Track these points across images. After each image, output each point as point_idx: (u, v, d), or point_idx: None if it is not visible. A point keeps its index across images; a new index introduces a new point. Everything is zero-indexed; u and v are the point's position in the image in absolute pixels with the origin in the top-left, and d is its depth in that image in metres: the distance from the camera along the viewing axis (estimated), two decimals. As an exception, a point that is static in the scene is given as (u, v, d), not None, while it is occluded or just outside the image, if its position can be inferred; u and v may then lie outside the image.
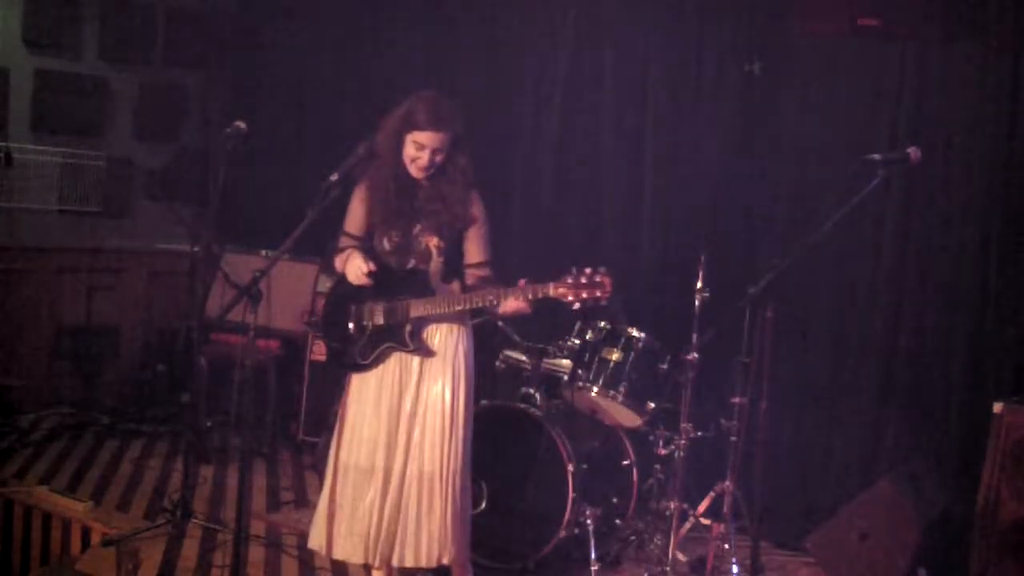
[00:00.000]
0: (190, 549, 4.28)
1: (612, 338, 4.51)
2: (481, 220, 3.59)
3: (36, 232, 6.18)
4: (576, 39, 5.64)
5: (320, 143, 6.44)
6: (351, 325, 3.65)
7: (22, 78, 6.08)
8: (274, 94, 6.78)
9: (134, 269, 6.60)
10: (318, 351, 5.76)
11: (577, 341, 4.62)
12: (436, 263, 3.57)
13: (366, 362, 3.61)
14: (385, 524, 3.55)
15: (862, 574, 4.18)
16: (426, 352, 3.58)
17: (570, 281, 3.15)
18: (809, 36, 4.95)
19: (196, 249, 5.58)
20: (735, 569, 4.17)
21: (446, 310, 3.49)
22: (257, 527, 4.56)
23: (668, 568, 4.18)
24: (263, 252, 5.85)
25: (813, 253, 3.77)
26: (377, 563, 3.58)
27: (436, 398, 3.57)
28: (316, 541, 3.65)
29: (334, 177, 3.55)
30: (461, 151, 3.56)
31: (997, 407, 4.08)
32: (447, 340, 3.61)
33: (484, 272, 3.61)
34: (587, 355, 4.53)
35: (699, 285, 4.22)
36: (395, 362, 3.60)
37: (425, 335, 3.60)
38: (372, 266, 3.52)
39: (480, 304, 3.42)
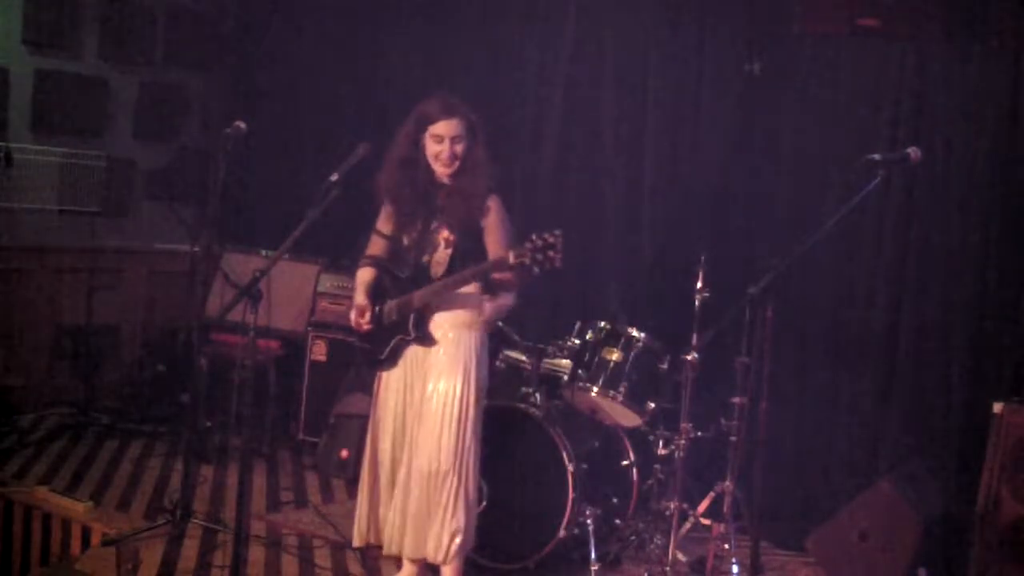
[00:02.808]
0: (190, 549, 4.27)
1: (612, 338, 4.52)
2: (496, 217, 3.70)
3: (36, 232, 6.17)
4: (576, 39, 5.64)
5: (319, 143, 6.44)
6: (374, 325, 3.83)
7: (22, 78, 6.07)
8: (274, 94, 6.77)
9: (134, 269, 6.60)
10: (318, 351, 5.76)
11: (577, 341, 4.62)
12: (441, 254, 3.71)
13: (382, 357, 3.80)
14: (394, 515, 3.74)
15: (862, 574, 4.19)
16: (429, 342, 3.72)
17: (528, 246, 3.31)
18: (809, 36, 4.95)
19: (196, 249, 5.58)
20: (735, 569, 4.17)
21: (439, 294, 3.65)
22: (257, 527, 4.56)
23: (668, 568, 4.18)
24: (263, 252, 5.85)
25: (813, 253, 3.78)
26: (396, 551, 3.78)
27: (440, 395, 3.69)
28: (355, 536, 3.90)
29: (334, 177, 3.58)
30: (478, 143, 3.70)
31: (997, 407, 4.08)
32: (456, 338, 3.73)
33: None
34: (587, 355, 4.53)
35: (699, 285, 4.22)
36: (410, 358, 3.77)
37: (432, 329, 3.73)
38: (367, 323, 3.80)
39: (461, 283, 3.61)
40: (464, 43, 6.10)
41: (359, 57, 6.48)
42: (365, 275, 3.88)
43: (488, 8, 6.02)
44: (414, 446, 3.71)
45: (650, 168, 5.39)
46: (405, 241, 3.78)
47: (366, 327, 3.81)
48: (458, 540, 3.69)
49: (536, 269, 3.31)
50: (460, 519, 3.68)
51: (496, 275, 3.63)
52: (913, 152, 3.50)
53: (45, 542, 4.65)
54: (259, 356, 5.49)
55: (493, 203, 3.70)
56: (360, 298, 3.84)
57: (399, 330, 3.76)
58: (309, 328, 5.81)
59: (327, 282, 5.88)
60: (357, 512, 3.89)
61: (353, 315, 3.83)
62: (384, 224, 3.86)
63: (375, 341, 3.83)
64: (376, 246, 3.89)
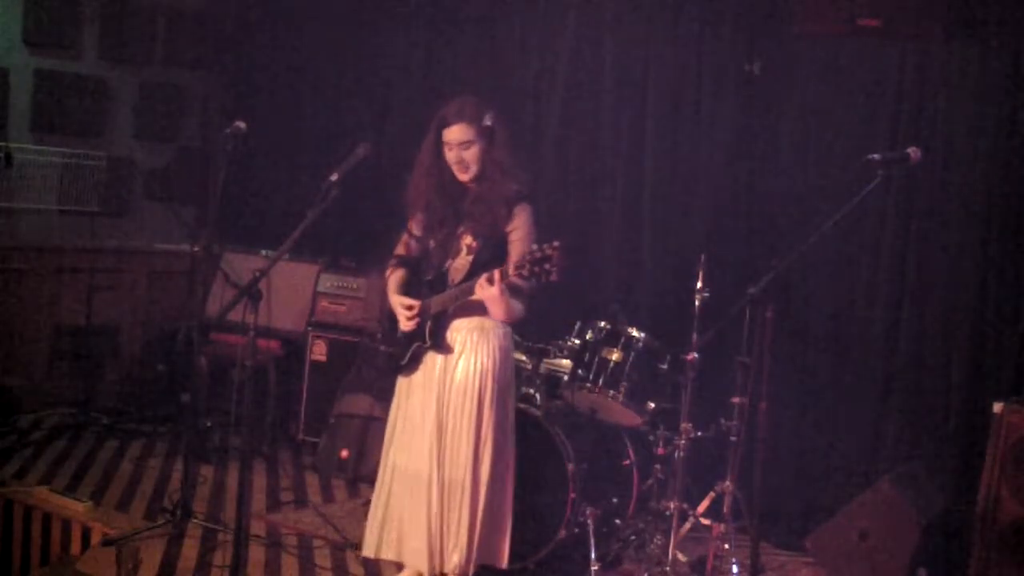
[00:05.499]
0: (190, 549, 4.27)
1: (612, 338, 4.52)
2: (522, 226, 3.61)
3: (36, 232, 6.18)
4: (576, 39, 5.63)
5: (319, 143, 6.44)
6: (394, 332, 3.78)
7: (22, 78, 6.08)
8: (274, 94, 6.78)
9: (134, 269, 6.60)
10: (318, 351, 5.76)
11: (577, 341, 4.62)
12: (462, 260, 3.64)
13: (403, 363, 3.73)
14: (411, 528, 3.60)
15: (862, 574, 4.19)
16: (445, 350, 3.65)
17: (527, 258, 3.27)
18: (809, 36, 4.95)
19: (196, 249, 5.58)
20: (735, 569, 4.17)
21: (452, 302, 3.58)
22: (257, 527, 4.56)
23: (668, 568, 4.18)
24: (263, 252, 5.85)
25: (813, 253, 3.77)
26: (407, 563, 3.63)
27: (461, 403, 3.61)
28: (366, 546, 3.76)
29: (334, 177, 3.58)
30: (497, 147, 3.61)
31: (997, 407, 4.08)
32: (471, 341, 3.65)
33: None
34: (587, 355, 4.53)
35: (699, 285, 4.22)
36: (428, 364, 3.68)
37: (449, 335, 3.66)
38: (414, 312, 3.67)
39: (467, 295, 3.52)
40: (464, 43, 6.10)
41: (359, 57, 6.49)
42: (397, 276, 3.82)
43: (488, 8, 6.02)
44: (441, 457, 3.59)
45: (650, 168, 5.39)
46: (432, 244, 3.72)
47: (413, 325, 3.68)
48: (471, 552, 3.59)
49: (534, 281, 3.27)
50: (491, 529, 3.60)
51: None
52: (913, 152, 3.50)
53: (45, 542, 4.64)
54: (259, 356, 5.47)
55: (521, 211, 3.61)
56: (395, 296, 3.75)
57: (417, 336, 3.69)
58: (309, 328, 5.81)
59: (327, 282, 5.87)
60: (369, 522, 3.77)
61: (402, 314, 3.70)
62: (415, 225, 3.80)
63: (397, 345, 3.75)
64: (405, 246, 3.85)
